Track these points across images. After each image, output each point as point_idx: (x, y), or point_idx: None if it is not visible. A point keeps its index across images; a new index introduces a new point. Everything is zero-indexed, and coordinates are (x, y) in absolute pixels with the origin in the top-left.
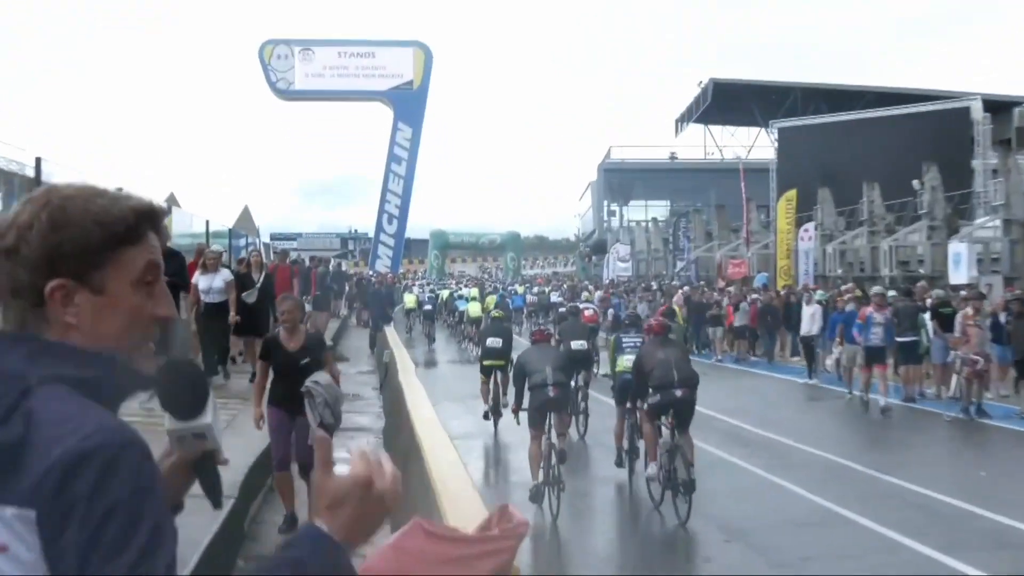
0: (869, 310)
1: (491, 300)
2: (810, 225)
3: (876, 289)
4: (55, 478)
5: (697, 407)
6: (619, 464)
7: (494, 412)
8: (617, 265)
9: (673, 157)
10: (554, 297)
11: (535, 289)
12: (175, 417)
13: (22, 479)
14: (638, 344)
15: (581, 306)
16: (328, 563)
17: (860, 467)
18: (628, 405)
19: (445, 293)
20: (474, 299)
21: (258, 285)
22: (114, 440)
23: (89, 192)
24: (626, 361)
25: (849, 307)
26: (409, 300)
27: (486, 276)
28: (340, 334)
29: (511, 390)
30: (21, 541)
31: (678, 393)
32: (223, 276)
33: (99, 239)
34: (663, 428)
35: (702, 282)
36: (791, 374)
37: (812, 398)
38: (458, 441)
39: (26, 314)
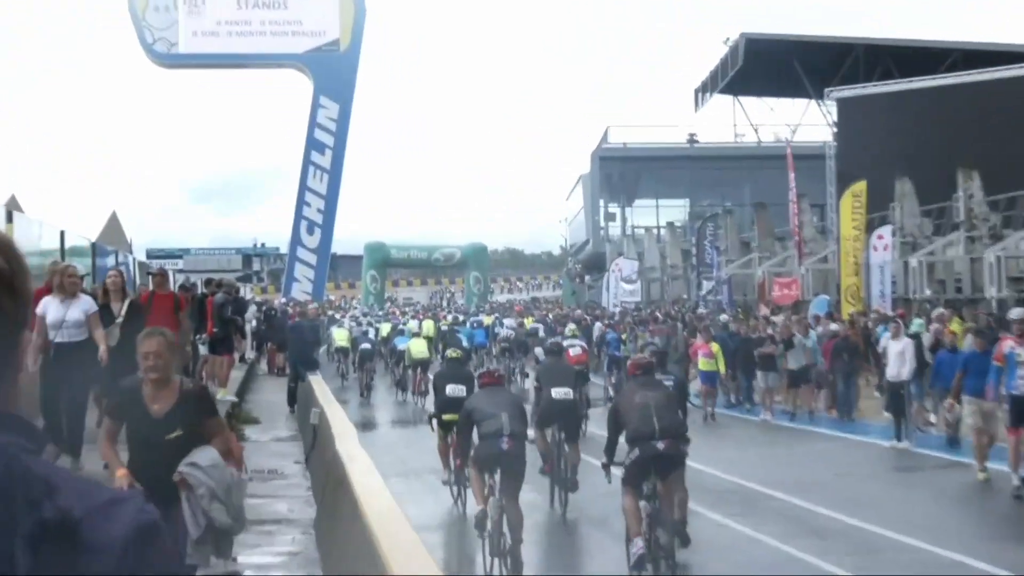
0: (1009, 344)
1: (428, 326)
2: (885, 230)
3: (1018, 313)
4: (130, 559)
5: (749, 483)
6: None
7: (459, 481)
8: (620, 288)
9: (692, 140)
10: (538, 332)
11: (507, 321)
12: None
13: (87, 555)
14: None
15: (566, 343)
16: None
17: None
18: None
19: (386, 328)
20: (416, 335)
21: (118, 321)
22: (153, 509)
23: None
24: None
25: (967, 343)
26: (339, 337)
27: (441, 304)
28: (246, 386)
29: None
30: None
31: (660, 446)
32: (83, 305)
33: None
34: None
35: (738, 309)
36: (869, 434)
37: (906, 468)
38: (424, 535)
39: None
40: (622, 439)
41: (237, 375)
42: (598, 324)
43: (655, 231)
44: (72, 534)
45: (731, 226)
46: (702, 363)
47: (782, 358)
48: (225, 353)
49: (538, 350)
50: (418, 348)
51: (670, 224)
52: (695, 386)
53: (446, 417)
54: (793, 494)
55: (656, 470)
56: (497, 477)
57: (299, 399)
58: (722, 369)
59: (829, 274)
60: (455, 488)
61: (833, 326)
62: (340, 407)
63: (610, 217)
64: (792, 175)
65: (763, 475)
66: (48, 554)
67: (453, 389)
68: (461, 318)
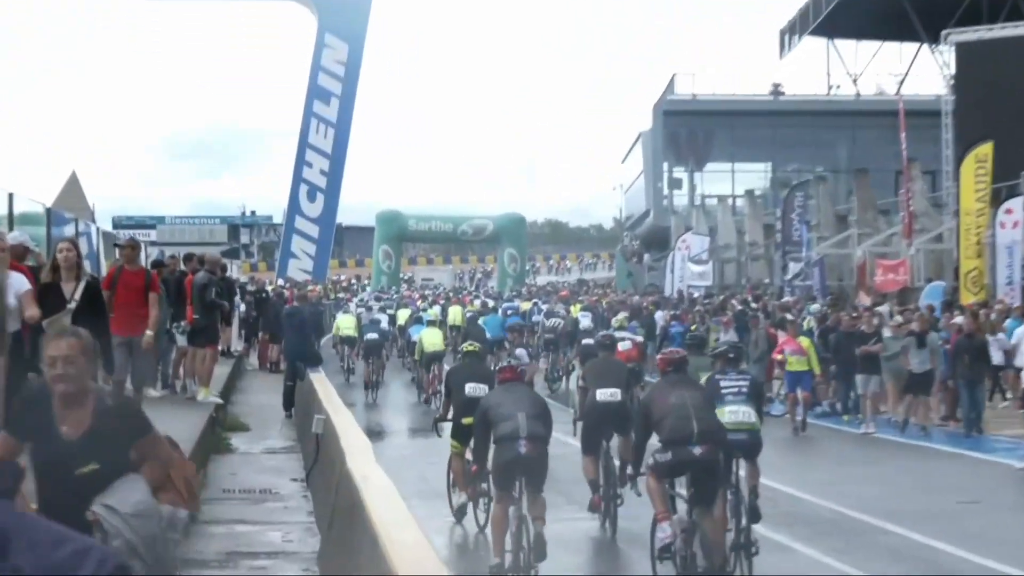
0: None
1: (455, 313)
2: (1016, 203)
3: None
4: None
5: (851, 511)
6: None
7: (475, 502)
8: (688, 269)
9: (777, 91)
10: (584, 322)
11: (546, 307)
12: None
13: None
14: (743, 390)
15: (617, 335)
16: None
17: None
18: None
19: (404, 315)
20: (433, 323)
21: (71, 306)
22: (121, 556)
23: None
24: (728, 415)
25: None
26: (344, 325)
27: (467, 286)
28: (233, 385)
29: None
30: None
31: (696, 452)
32: (16, 284)
33: None
34: (677, 500)
35: (830, 296)
36: (996, 452)
37: None
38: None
39: None
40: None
41: (222, 372)
42: (660, 313)
43: (730, 201)
44: None
45: (824, 196)
46: (791, 363)
47: (898, 358)
48: (208, 345)
49: (587, 343)
50: (432, 339)
51: (749, 193)
52: (778, 389)
53: (465, 421)
54: (907, 526)
55: (691, 479)
56: (519, 485)
57: (298, 402)
58: (816, 369)
59: (944, 256)
60: (473, 509)
61: (958, 319)
62: (348, 413)
63: (675, 184)
64: (903, 135)
65: (869, 502)
66: None
67: (473, 388)
68: (491, 303)
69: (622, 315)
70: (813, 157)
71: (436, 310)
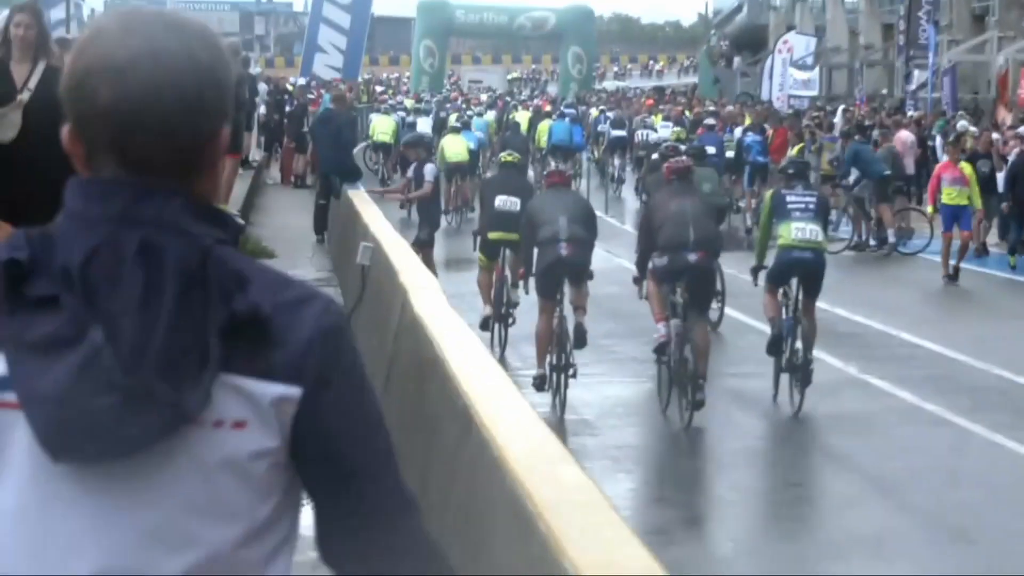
0: None
1: (523, 119)
2: None
3: None
4: (319, 347)
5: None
6: (772, 350)
7: (500, 318)
8: (789, 76)
9: None
10: (661, 133)
11: (613, 115)
12: None
13: (277, 351)
14: (810, 206)
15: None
16: None
17: None
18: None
19: (452, 119)
20: (457, 130)
21: (21, 97)
22: (341, 308)
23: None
24: (795, 232)
25: None
26: (382, 128)
27: (521, 92)
28: (253, 202)
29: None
30: (262, 420)
31: (692, 258)
32: None
33: (226, 69)
34: (675, 303)
35: (960, 112)
36: None
37: None
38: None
39: (172, 169)
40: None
41: (241, 187)
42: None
43: None
44: (261, 329)
45: None
46: (948, 194)
47: None
48: (230, 154)
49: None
50: (454, 148)
51: None
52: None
53: (492, 236)
54: None
55: (686, 284)
56: (562, 288)
57: (332, 224)
58: (977, 203)
59: None
60: (496, 325)
61: None
62: (402, 240)
63: None
64: None
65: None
66: (238, 347)
67: (503, 201)
68: (568, 113)
69: (676, 129)
70: None
71: (491, 115)
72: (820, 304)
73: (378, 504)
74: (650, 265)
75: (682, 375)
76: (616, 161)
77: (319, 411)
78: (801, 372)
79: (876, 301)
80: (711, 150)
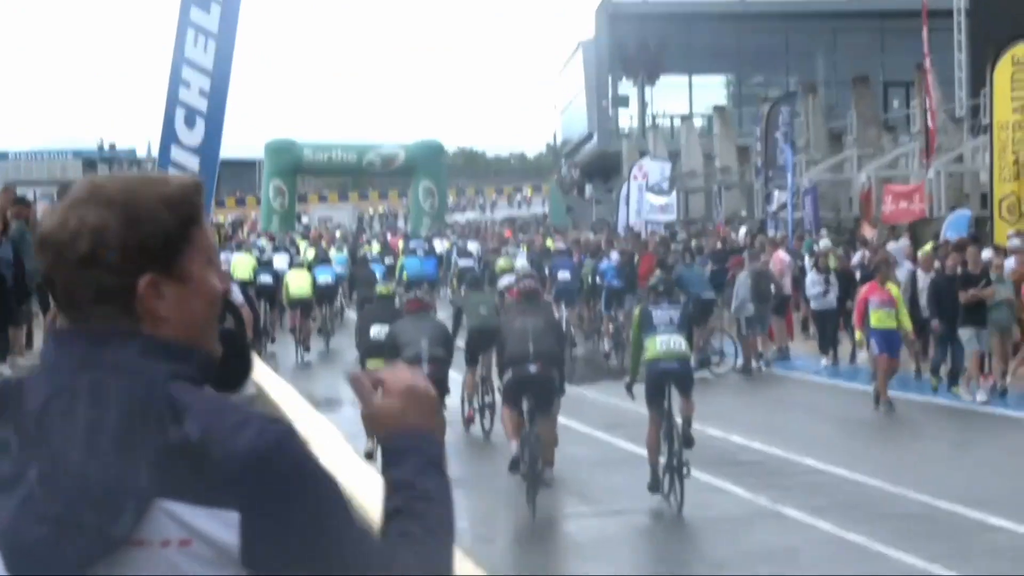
0: None
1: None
2: None
3: None
4: (252, 470)
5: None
6: (653, 488)
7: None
8: (645, 202)
9: None
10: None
11: (470, 246)
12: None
13: (209, 477)
14: (674, 319)
15: (503, 282)
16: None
17: None
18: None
19: (311, 254)
20: (301, 266)
21: None
22: (284, 427)
23: (139, 179)
24: (660, 344)
25: None
26: (241, 265)
27: (371, 228)
28: None
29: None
30: (204, 540)
31: (532, 369)
32: None
33: (175, 225)
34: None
35: (823, 230)
36: None
37: None
38: None
39: (116, 317)
40: None
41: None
42: (613, 254)
43: (695, 121)
44: (194, 457)
45: (816, 111)
46: (875, 318)
47: (1003, 308)
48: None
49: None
50: (298, 282)
51: (719, 110)
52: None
53: (370, 363)
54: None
55: (530, 393)
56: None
57: None
58: (906, 325)
59: (968, 180)
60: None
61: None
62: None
63: (620, 101)
64: (925, 32)
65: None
66: (175, 475)
67: (378, 331)
68: (414, 247)
69: (502, 260)
70: (788, 67)
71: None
72: (714, 431)
73: None
74: (502, 383)
75: (535, 475)
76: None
77: (258, 535)
78: (679, 468)
79: (770, 426)
80: (565, 275)
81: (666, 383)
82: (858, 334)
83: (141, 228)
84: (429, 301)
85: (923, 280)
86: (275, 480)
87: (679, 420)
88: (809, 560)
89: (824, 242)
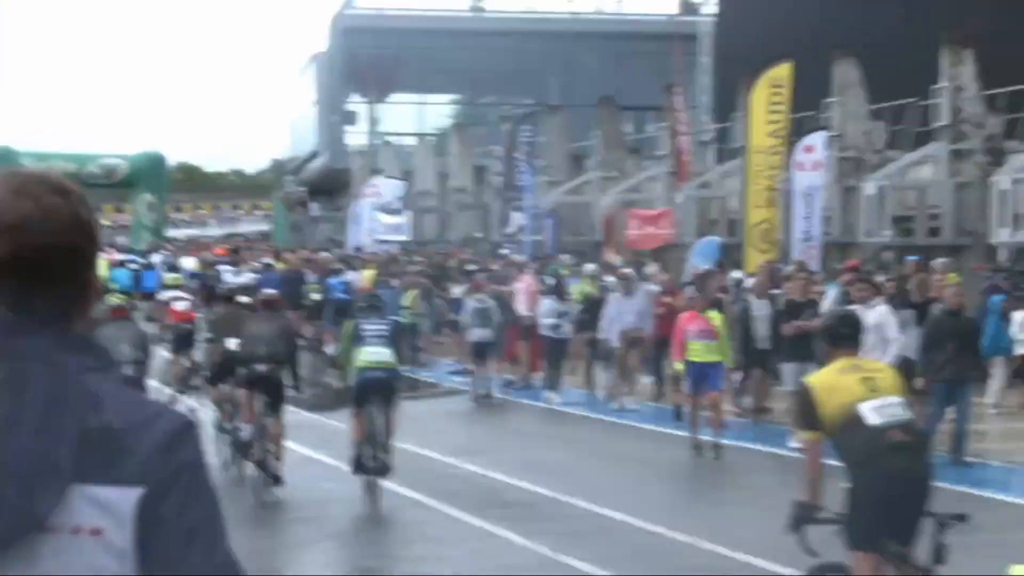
0: None
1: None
2: (816, 139)
3: None
4: (164, 453)
5: None
6: (357, 469)
7: None
8: (377, 222)
9: (478, 7)
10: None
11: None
12: None
13: (126, 460)
14: (383, 333)
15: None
16: None
17: None
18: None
19: None
20: None
21: None
22: (191, 419)
23: (48, 170)
24: (369, 355)
25: None
26: None
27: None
28: None
29: None
30: (117, 525)
31: (260, 368)
32: None
33: (97, 223)
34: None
35: (564, 256)
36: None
37: None
38: None
39: (42, 307)
40: None
41: None
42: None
43: (429, 139)
44: (112, 442)
45: (559, 131)
46: (695, 350)
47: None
48: None
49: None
50: None
51: (457, 126)
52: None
53: None
54: None
55: (261, 389)
56: None
57: None
58: (728, 359)
59: (713, 206)
60: None
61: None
62: None
63: (348, 119)
64: (678, 52)
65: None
66: (92, 459)
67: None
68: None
69: (173, 275)
70: (520, 88)
71: None
72: (474, 467)
73: (219, 568)
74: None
75: (262, 458)
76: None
77: (163, 507)
78: (383, 469)
79: (528, 460)
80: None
81: (373, 389)
82: (677, 365)
83: (99, 227)
84: (129, 307)
85: (758, 308)
86: (185, 462)
87: (383, 426)
88: None
89: (590, 266)
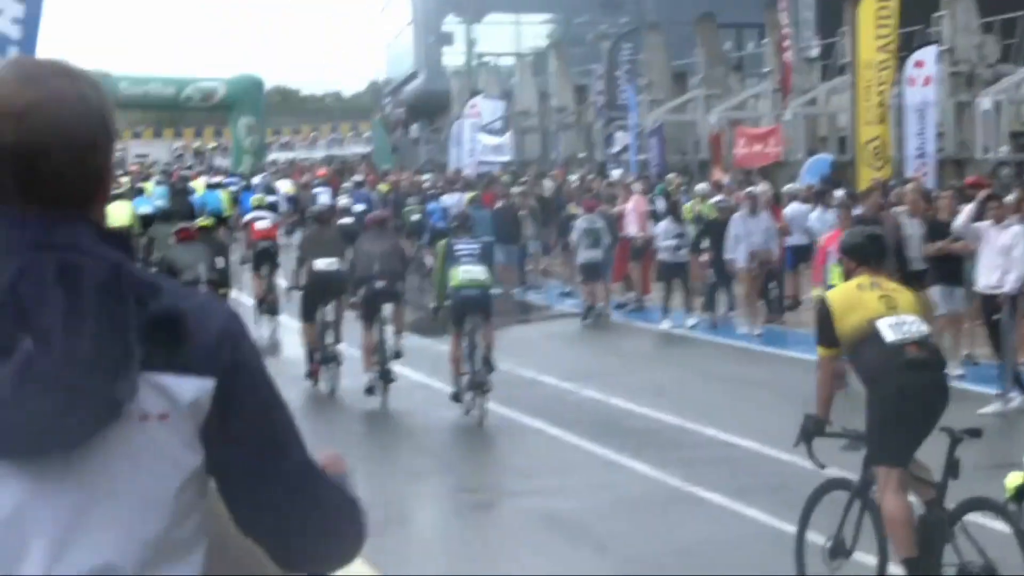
0: None
1: (149, 188)
2: (928, 52)
3: None
4: (229, 345)
5: None
6: (456, 398)
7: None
8: (479, 142)
9: None
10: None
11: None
12: None
13: (190, 349)
14: (475, 252)
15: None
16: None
17: None
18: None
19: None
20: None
21: None
22: (238, 312)
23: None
24: (463, 274)
25: None
26: None
27: (189, 164)
28: None
29: None
30: (182, 412)
31: (377, 284)
32: None
33: (110, 109)
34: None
35: (673, 175)
36: None
37: None
38: None
39: (71, 201)
40: None
41: None
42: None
43: (530, 59)
44: (177, 327)
45: (658, 48)
46: (837, 274)
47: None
48: None
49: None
50: (117, 213)
51: (555, 46)
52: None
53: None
54: None
55: (381, 303)
56: None
57: None
58: None
59: (821, 123)
60: None
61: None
62: None
63: (445, 39)
64: None
65: None
66: (156, 346)
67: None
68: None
69: (258, 196)
70: (618, 7)
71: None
72: (592, 392)
73: (293, 475)
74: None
75: (385, 371)
76: None
77: (234, 396)
78: (482, 384)
79: (647, 385)
80: (360, 207)
81: (468, 308)
82: (815, 291)
83: (113, 113)
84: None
85: (911, 227)
86: (247, 353)
87: (481, 343)
88: (754, 556)
89: (702, 185)
